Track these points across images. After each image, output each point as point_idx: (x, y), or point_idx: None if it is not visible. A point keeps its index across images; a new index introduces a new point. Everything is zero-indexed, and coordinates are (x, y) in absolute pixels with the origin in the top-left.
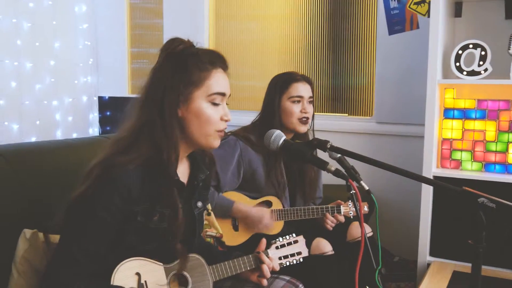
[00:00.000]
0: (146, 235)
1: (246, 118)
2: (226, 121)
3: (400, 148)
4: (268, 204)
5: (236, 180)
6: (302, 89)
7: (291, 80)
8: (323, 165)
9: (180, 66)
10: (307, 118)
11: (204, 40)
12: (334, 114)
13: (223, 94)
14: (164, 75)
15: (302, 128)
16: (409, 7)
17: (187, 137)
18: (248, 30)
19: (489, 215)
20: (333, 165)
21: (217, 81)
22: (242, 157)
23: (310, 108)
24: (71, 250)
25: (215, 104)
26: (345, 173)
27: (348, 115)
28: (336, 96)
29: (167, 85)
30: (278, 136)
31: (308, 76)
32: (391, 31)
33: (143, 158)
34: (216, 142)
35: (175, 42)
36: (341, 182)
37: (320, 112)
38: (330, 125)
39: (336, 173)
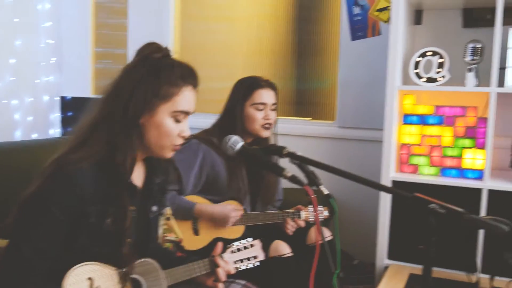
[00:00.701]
0: (99, 238)
1: (211, 121)
2: (183, 137)
3: (361, 152)
4: None
5: (198, 184)
6: (266, 96)
7: (255, 86)
8: (280, 171)
9: (153, 76)
10: (270, 124)
11: (169, 40)
12: (297, 118)
13: (187, 113)
14: (135, 79)
15: (265, 134)
16: (372, 13)
17: (143, 144)
18: (214, 31)
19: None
20: (294, 169)
21: (185, 99)
22: (204, 160)
23: (273, 115)
24: (22, 250)
25: (177, 120)
26: (302, 178)
27: (312, 119)
28: (299, 100)
29: (135, 90)
30: (236, 142)
31: (273, 79)
32: (354, 37)
33: (97, 156)
34: (170, 154)
35: (152, 48)
36: None
37: (283, 116)
38: (293, 129)
39: (292, 179)
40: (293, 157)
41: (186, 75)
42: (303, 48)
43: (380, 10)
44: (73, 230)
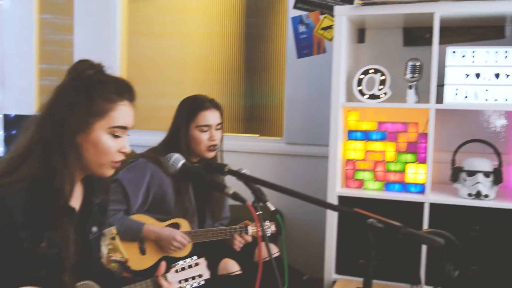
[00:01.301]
0: (33, 262)
1: (161, 139)
2: (123, 153)
3: (308, 168)
4: (176, 226)
5: (146, 203)
6: (210, 118)
7: (199, 108)
8: (221, 188)
9: (85, 93)
10: (215, 146)
11: (116, 56)
12: (245, 135)
13: (125, 128)
14: (67, 98)
15: (210, 155)
16: (317, 32)
17: (81, 164)
18: (163, 48)
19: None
20: (241, 186)
21: (121, 114)
22: (152, 179)
23: (218, 135)
24: None
25: (115, 136)
26: (249, 195)
27: (259, 135)
28: (248, 117)
29: (69, 109)
30: (177, 160)
31: (222, 96)
32: (300, 55)
33: (31, 179)
34: (109, 172)
35: (84, 65)
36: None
37: (232, 132)
38: (241, 146)
39: (234, 196)
40: (234, 174)
41: (121, 90)
42: (251, 65)
43: (325, 28)
44: (5, 255)
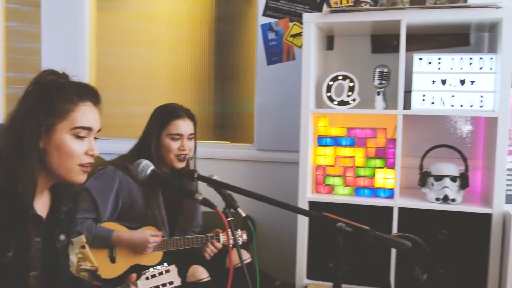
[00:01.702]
0: (0, 272)
1: (131, 146)
2: (91, 156)
3: (279, 174)
4: None
5: (115, 211)
6: (183, 127)
7: (172, 116)
8: (191, 194)
9: (45, 96)
10: (185, 155)
11: (84, 65)
12: (216, 142)
13: (88, 129)
14: (27, 104)
15: (179, 165)
16: (286, 39)
17: (48, 169)
18: (133, 56)
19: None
20: (212, 193)
21: (83, 114)
22: (121, 187)
23: (189, 145)
24: None
25: (79, 138)
26: (218, 202)
27: (230, 142)
28: (219, 124)
29: (29, 114)
30: (146, 166)
31: (192, 103)
32: (270, 61)
33: None
34: (80, 178)
35: (47, 73)
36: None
37: (203, 139)
38: (212, 153)
39: (204, 202)
40: (204, 180)
41: (82, 92)
42: (221, 73)
43: (294, 35)
44: None
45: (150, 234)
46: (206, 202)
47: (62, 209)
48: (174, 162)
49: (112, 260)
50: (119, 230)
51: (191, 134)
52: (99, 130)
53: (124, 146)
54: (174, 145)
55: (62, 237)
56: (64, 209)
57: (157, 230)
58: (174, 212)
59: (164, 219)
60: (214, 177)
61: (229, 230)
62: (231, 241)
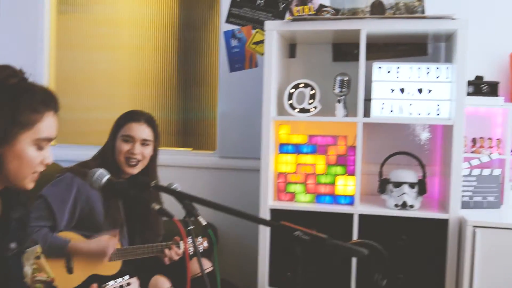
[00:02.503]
0: None
1: (93, 153)
2: (46, 164)
3: (241, 181)
4: None
5: (73, 219)
6: (136, 130)
7: (129, 119)
8: (147, 204)
9: (11, 103)
10: (137, 161)
11: (43, 69)
12: (178, 149)
13: (50, 140)
14: None
15: (129, 170)
16: (249, 46)
17: (1, 175)
18: (96, 61)
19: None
20: (173, 200)
21: (48, 125)
22: (79, 194)
23: (142, 151)
24: None
25: (40, 148)
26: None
27: (192, 149)
28: (182, 131)
29: None
30: (101, 175)
31: (156, 109)
32: (232, 69)
33: None
34: (30, 185)
35: (7, 71)
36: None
37: (165, 146)
38: (175, 160)
39: (160, 211)
40: (161, 189)
41: (48, 100)
42: (185, 79)
43: (257, 43)
44: None
45: (107, 239)
46: (163, 212)
47: (12, 216)
48: (123, 165)
49: (69, 270)
50: (76, 239)
51: (145, 140)
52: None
53: (84, 153)
54: (124, 147)
55: (12, 245)
56: (15, 216)
57: (116, 238)
58: (135, 220)
59: (124, 228)
60: (174, 185)
61: (187, 239)
62: (190, 250)
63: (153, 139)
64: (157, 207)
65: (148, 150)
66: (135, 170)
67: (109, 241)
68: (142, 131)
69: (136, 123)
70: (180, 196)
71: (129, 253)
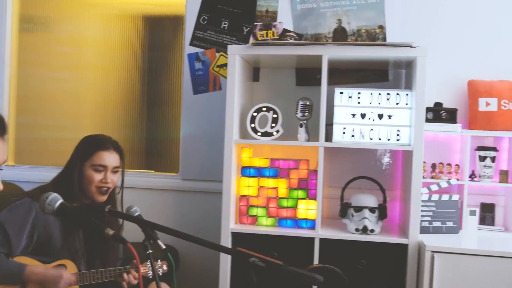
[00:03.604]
0: None
1: (54, 174)
2: None
3: (204, 204)
4: (63, 267)
5: (30, 244)
6: (108, 158)
7: (98, 147)
8: (101, 229)
9: None
10: (108, 189)
11: (4, 88)
12: (140, 170)
13: None
14: None
15: (100, 198)
16: (213, 69)
17: None
18: (60, 80)
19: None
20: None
21: None
22: (37, 220)
23: (113, 178)
24: None
25: None
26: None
27: (155, 171)
28: (145, 151)
29: None
30: (54, 200)
31: (119, 129)
32: (196, 91)
33: None
34: None
35: None
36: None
37: (128, 168)
38: (137, 182)
39: (114, 237)
40: (115, 215)
41: None
42: (150, 100)
43: (221, 66)
44: None
45: (64, 272)
46: (116, 237)
47: None
48: (95, 194)
49: None
50: (32, 265)
51: (116, 167)
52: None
53: (45, 174)
54: (97, 176)
55: None
56: None
57: (73, 263)
58: (94, 244)
59: (83, 252)
60: (134, 208)
61: (147, 263)
62: (147, 274)
63: (121, 166)
64: (111, 232)
65: (117, 177)
66: (105, 197)
67: (65, 273)
68: (113, 159)
69: (106, 152)
70: (134, 221)
71: (87, 278)
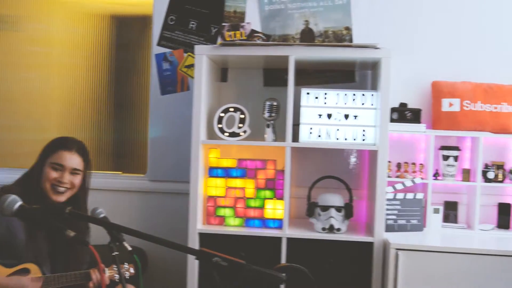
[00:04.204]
0: None
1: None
2: None
3: (172, 205)
4: (26, 271)
5: None
6: (67, 159)
7: (60, 146)
8: (61, 230)
9: None
10: (65, 189)
11: None
12: (108, 172)
13: None
14: None
15: (56, 198)
16: (180, 69)
17: None
18: (26, 79)
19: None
20: None
21: None
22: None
23: (72, 179)
24: None
25: None
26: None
27: (122, 173)
28: (113, 152)
29: None
30: (13, 202)
31: (87, 130)
32: (164, 91)
33: None
34: None
35: None
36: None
37: (96, 169)
38: (104, 184)
39: (75, 239)
40: (76, 217)
41: None
42: (118, 100)
43: (188, 66)
44: None
45: (29, 280)
46: (77, 239)
47: None
48: (49, 192)
49: None
50: None
51: (76, 169)
52: None
53: (10, 176)
54: (52, 174)
55: None
56: None
57: (37, 267)
58: (59, 246)
59: (47, 255)
60: (99, 210)
61: (107, 268)
62: (113, 277)
63: (83, 169)
64: (71, 234)
65: (78, 180)
66: (61, 198)
67: (30, 282)
68: (73, 160)
69: (67, 152)
70: (98, 223)
71: (51, 282)
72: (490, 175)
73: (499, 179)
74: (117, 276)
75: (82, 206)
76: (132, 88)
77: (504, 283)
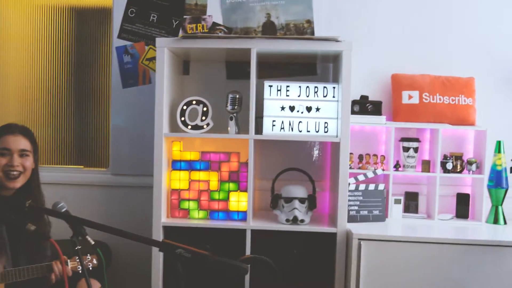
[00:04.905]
0: None
1: None
2: None
3: (135, 198)
4: None
5: None
6: (12, 142)
7: (3, 132)
8: (22, 224)
9: None
10: (18, 173)
11: None
12: (69, 166)
13: None
14: None
15: (11, 184)
16: (142, 62)
17: None
18: None
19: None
20: None
21: None
22: None
23: (23, 162)
24: None
25: None
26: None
27: (84, 167)
28: (74, 146)
29: None
30: None
31: (49, 125)
32: (125, 85)
33: None
34: None
35: None
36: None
37: (57, 163)
38: (66, 178)
39: (36, 233)
40: (37, 210)
41: None
42: (79, 94)
43: (150, 59)
44: None
45: None
46: (38, 233)
47: None
48: (4, 180)
49: None
50: None
51: (23, 150)
52: None
53: None
54: (2, 160)
55: None
56: None
57: None
58: (19, 240)
59: (6, 249)
60: (60, 204)
61: (69, 260)
62: (76, 268)
63: (32, 150)
64: (32, 228)
65: (29, 162)
66: (17, 184)
67: None
68: (18, 142)
69: (11, 135)
70: (60, 216)
71: (12, 275)
72: (449, 166)
73: (458, 170)
74: (80, 268)
75: (37, 196)
76: (93, 81)
77: (463, 270)
